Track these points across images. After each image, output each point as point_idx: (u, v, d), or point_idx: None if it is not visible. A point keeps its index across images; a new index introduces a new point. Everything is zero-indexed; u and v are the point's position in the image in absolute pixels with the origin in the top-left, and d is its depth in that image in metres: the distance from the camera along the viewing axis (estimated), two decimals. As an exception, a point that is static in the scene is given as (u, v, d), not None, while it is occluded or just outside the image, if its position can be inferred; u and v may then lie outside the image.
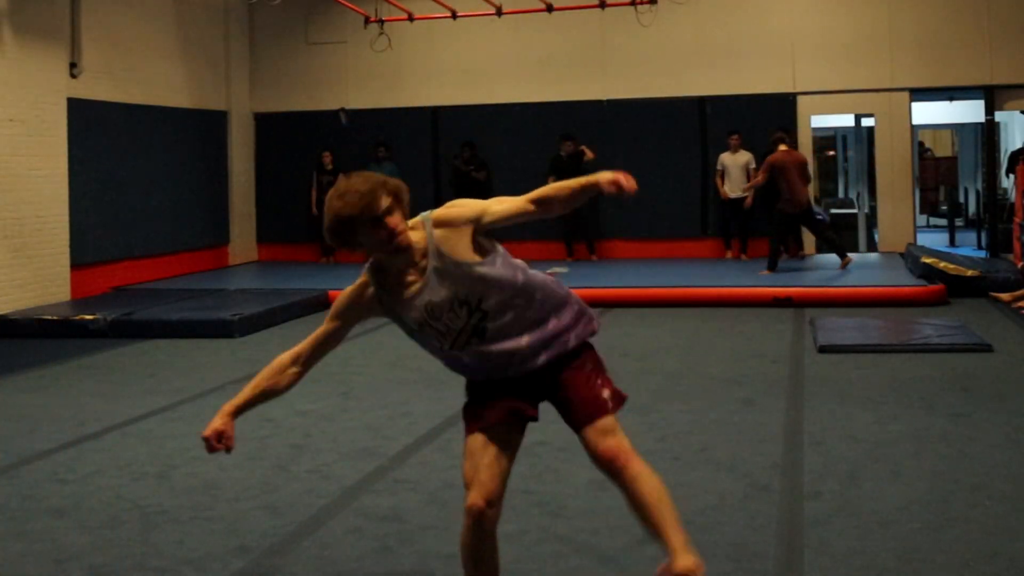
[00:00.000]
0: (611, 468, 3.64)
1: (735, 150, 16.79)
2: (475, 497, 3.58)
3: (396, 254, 3.56)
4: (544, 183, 17.98)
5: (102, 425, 7.64)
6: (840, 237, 14.25)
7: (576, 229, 17.22)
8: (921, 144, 23.91)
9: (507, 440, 3.70)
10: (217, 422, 3.72)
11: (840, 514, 5.25)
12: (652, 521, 3.57)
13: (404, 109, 18.41)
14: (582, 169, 17.10)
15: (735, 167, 16.69)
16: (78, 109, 14.46)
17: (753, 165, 16.46)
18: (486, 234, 3.65)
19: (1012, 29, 16.78)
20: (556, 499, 5.63)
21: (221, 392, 8.71)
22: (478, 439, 3.66)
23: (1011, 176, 17.70)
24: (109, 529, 5.33)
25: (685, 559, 3.48)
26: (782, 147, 14.63)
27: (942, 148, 25.68)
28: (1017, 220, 14.90)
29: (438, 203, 15.72)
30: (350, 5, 16.53)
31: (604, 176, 3.57)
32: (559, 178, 17.58)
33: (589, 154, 16.89)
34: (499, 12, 16.43)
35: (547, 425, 7.06)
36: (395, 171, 18.02)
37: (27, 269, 13.47)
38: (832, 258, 15.99)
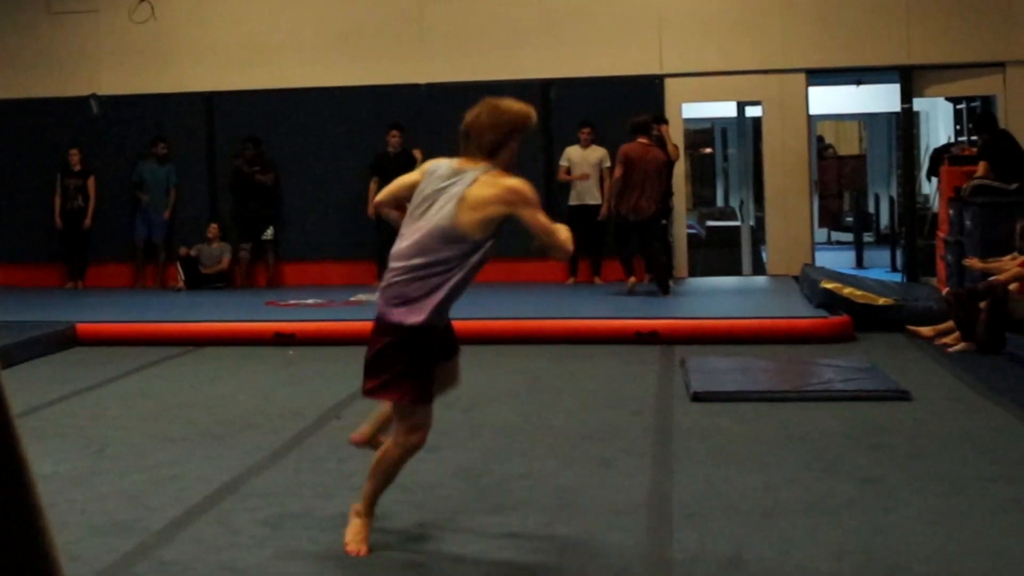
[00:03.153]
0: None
1: (586, 145, 16.93)
2: (426, 437, 5.89)
3: None
4: (365, 186, 17.70)
5: None
6: (672, 268, 14.60)
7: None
8: (821, 139, 24.51)
9: None
10: None
11: (720, 606, 5.29)
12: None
13: (172, 95, 18.27)
14: (412, 170, 16.97)
15: (586, 165, 16.80)
16: None
17: (608, 164, 16.57)
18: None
19: (932, -3, 17.24)
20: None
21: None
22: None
23: (933, 180, 18.05)
24: None
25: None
26: (641, 138, 14.81)
27: (847, 144, 26.33)
28: (941, 235, 15.19)
29: (212, 211, 15.56)
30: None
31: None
32: (384, 181, 17.51)
33: (419, 158, 16.84)
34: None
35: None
36: (173, 173, 17.78)
37: None
38: (710, 282, 16.26)
